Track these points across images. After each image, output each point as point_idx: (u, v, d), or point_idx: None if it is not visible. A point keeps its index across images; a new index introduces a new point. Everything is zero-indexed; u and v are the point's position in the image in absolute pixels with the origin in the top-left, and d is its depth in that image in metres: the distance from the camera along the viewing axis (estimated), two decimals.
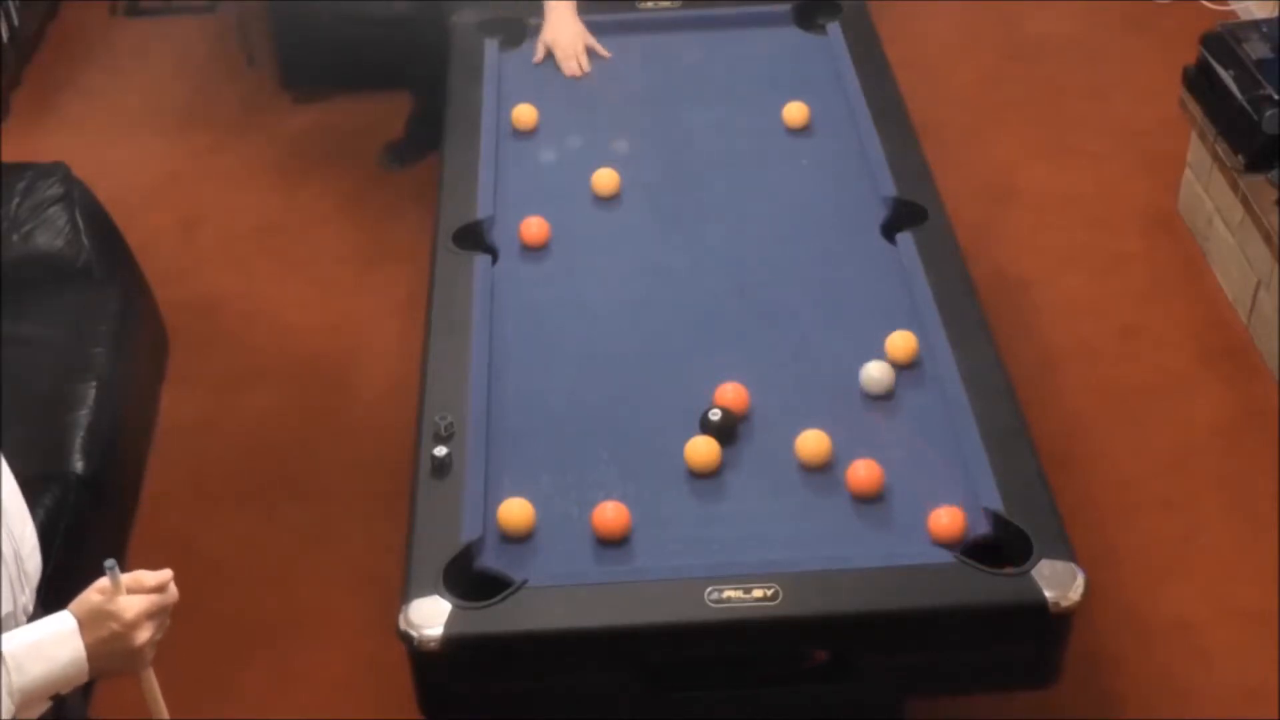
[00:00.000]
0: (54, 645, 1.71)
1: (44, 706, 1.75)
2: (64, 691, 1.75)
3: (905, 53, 4.13)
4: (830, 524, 2.48)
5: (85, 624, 1.73)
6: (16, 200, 3.62)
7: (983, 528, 2.42)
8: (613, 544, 2.44)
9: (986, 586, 2.30)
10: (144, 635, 1.76)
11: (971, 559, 2.34)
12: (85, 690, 2.67)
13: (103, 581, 1.76)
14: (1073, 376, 3.83)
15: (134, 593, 1.76)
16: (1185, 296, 4.08)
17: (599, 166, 3.31)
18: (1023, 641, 2.36)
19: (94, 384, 3.32)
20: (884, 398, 2.69)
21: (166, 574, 1.80)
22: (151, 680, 1.91)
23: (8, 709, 1.67)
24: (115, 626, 1.73)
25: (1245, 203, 3.88)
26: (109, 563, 1.75)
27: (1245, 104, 3.78)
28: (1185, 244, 4.26)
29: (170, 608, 1.80)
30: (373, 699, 3.07)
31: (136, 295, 3.78)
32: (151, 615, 1.77)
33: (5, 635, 1.69)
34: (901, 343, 2.77)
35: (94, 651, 1.73)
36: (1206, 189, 4.15)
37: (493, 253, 3.12)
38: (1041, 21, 5.30)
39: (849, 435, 2.59)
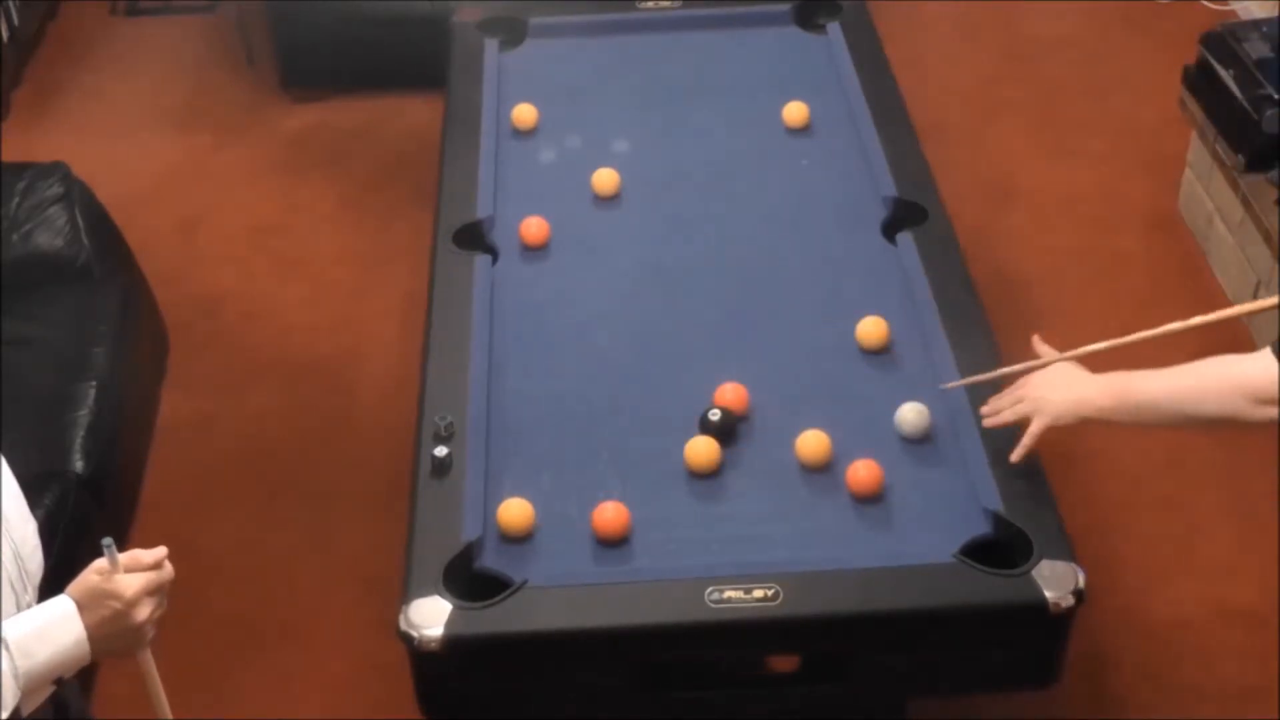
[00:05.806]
0: (56, 629, 1.72)
1: (47, 692, 1.76)
2: (67, 675, 1.76)
3: (905, 53, 4.12)
4: (830, 524, 2.47)
5: (85, 605, 1.74)
6: (16, 200, 3.62)
7: (983, 528, 2.42)
8: (613, 544, 2.44)
9: (986, 586, 2.30)
10: (144, 613, 1.77)
11: (971, 559, 2.34)
12: (86, 688, 2.67)
13: (100, 562, 1.77)
14: None
15: (132, 571, 1.78)
16: (1185, 296, 4.07)
17: (599, 166, 3.31)
18: (1023, 642, 2.36)
19: (94, 384, 3.32)
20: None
21: (162, 551, 1.82)
22: (150, 661, 1.93)
23: (15, 695, 1.67)
24: (116, 605, 1.74)
25: (1245, 203, 3.87)
26: (106, 541, 1.75)
27: (1245, 104, 3.77)
28: (1185, 244, 4.26)
29: (167, 585, 1.82)
30: (373, 699, 3.07)
31: (136, 295, 3.78)
32: (150, 592, 1.78)
33: (7, 623, 1.70)
34: (872, 328, 2.79)
35: (95, 633, 1.74)
36: (1207, 189, 4.15)
37: (493, 253, 3.11)
38: (1041, 21, 5.30)
39: (849, 435, 2.59)
